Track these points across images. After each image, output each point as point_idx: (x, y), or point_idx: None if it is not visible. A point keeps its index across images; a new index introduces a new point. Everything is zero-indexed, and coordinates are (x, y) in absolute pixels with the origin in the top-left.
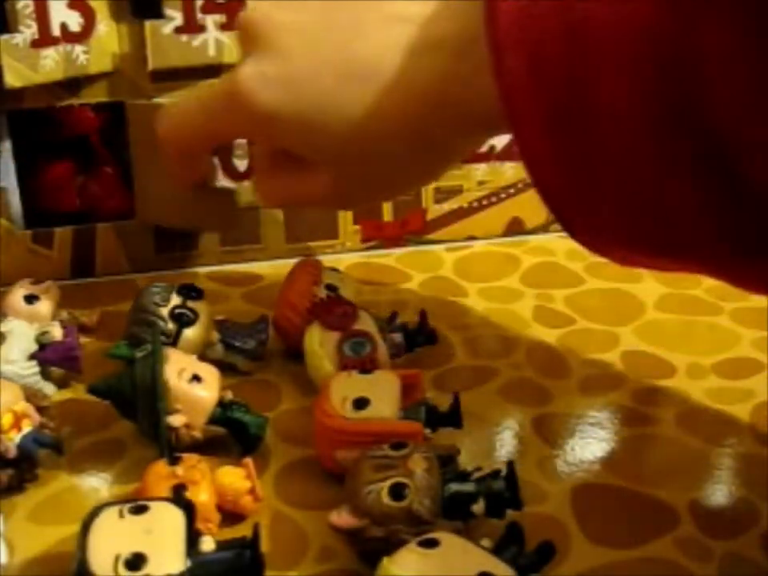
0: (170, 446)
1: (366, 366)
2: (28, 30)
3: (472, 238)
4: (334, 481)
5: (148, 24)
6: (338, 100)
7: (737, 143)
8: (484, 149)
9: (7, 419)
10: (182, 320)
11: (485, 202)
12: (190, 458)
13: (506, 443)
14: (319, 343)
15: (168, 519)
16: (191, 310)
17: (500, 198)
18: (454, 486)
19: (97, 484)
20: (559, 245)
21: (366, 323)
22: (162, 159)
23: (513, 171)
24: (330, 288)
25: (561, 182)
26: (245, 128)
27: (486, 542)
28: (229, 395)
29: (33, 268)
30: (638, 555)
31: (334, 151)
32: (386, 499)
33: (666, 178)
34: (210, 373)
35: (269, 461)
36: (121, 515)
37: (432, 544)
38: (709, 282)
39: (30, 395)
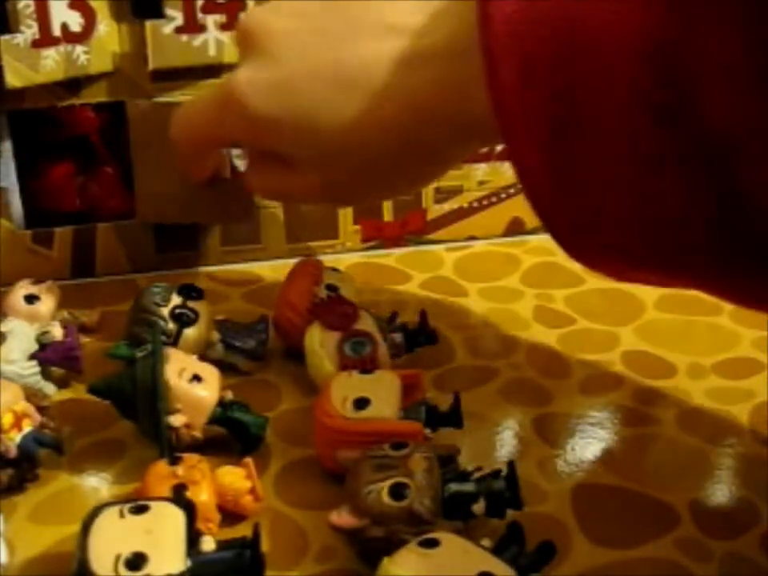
0: (171, 446)
1: (367, 366)
2: (29, 30)
3: (472, 238)
4: (334, 481)
5: (148, 24)
6: (330, 107)
7: (736, 149)
8: (484, 149)
9: (7, 419)
10: (183, 320)
11: (485, 202)
12: (190, 458)
13: (506, 443)
14: (319, 343)
15: (168, 519)
16: (191, 309)
17: (500, 198)
18: (454, 486)
19: (97, 484)
20: None
21: (366, 323)
22: (170, 158)
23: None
24: (331, 288)
25: (554, 194)
26: (239, 132)
27: (486, 542)
28: (229, 395)
29: (33, 268)
30: (637, 555)
31: (324, 158)
32: (386, 499)
33: (664, 187)
34: (210, 373)
35: (269, 461)
36: (121, 515)
37: (432, 544)
38: None
39: (31, 395)
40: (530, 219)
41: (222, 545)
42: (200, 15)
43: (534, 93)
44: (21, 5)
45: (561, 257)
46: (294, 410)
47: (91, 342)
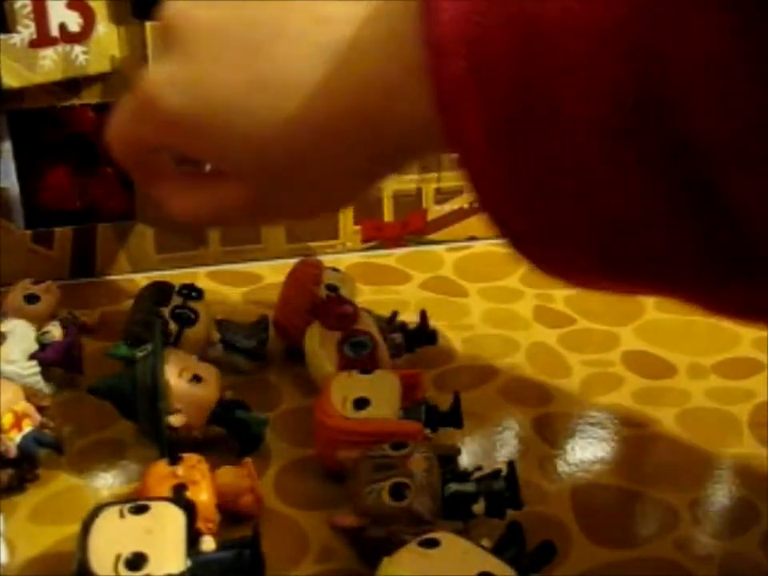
0: (171, 446)
1: (367, 366)
2: (26, 30)
3: (473, 238)
4: (334, 481)
5: (148, 24)
6: (249, 107)
7: (710, 151)
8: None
9: (8, 419)
10: (183, 320)
11: None
12: (190, 458)
13: (506, 443)
14: (319, 343)
15: (168, 519)
16: (191, 309)
17: None
18: (454, 486)
19: (97, 484)
20: None
21: (366, 323)
22: None
23: None
24: (331, 288)
25: (513, 201)
26: (159, 135)
27: (486, 542)
28: (229, 395)
29: (33, 268)
30: (637, 555)
31: (247, 163)
32: (386, 499)
33: (632, 191)
34: (210, 373)
35: (269, 461)
36: (121, 515)
37: (432, 544)
38: None
39: (31, 395)
40: None
41: (222, 545)
42: None
43: (488, 91)
44: (18, 5)
45: None
46: (294, 410)
47: (91, 342)
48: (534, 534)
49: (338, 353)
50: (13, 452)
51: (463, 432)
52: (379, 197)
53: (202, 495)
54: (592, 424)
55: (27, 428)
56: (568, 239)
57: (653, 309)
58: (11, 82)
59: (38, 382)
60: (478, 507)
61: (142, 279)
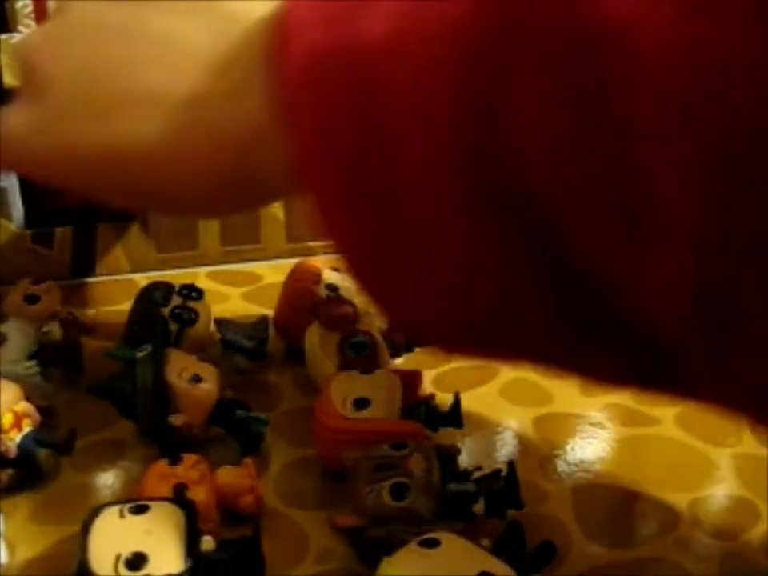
0: (171, 446)
1: (366, 366)
2: (27, 30)
3: None
4: (334, 481)
5: None
6: (92, 141)
7: (554, 212)
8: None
9: (8, 419)
10: (183, 320)
11: None
12: (190, 458)
13: (506, 443)
14: (319, 343)
15: (168, 519)
16: (191, 309)
17: None
18: (454, 486)
19: (97, 484)
20: None
21: (366, 323)
22: None
23: None
24: (331, 288)
25: (370, 258)
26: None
27: (486, 542)
28: (229, 395)
29: (33, 268)
30: (637, 555)
31: (115, 197)
32: (386, 499)
33: (480, 256)
34: (210, 373)
35: (269, 461)
36: (121, 515)
37: (432, 544)
38: None
39: (30, 395)
40: None
41: (222, 545)
42: None
43: (336, 146)
44: (19, 4)
45: None
46: (294, 410)
47: (91, 342)
48: (534, 534)
49: (338, 353)
50: (13, 452)
51: (463, 432)
52: None
53: (202, 495)
54: (592, 424)
55: (27, 428)
56: (427, 303)
57: None
58: (12, 81)
59: (38, 382)
60: (478, 507)
61: (142, 279)
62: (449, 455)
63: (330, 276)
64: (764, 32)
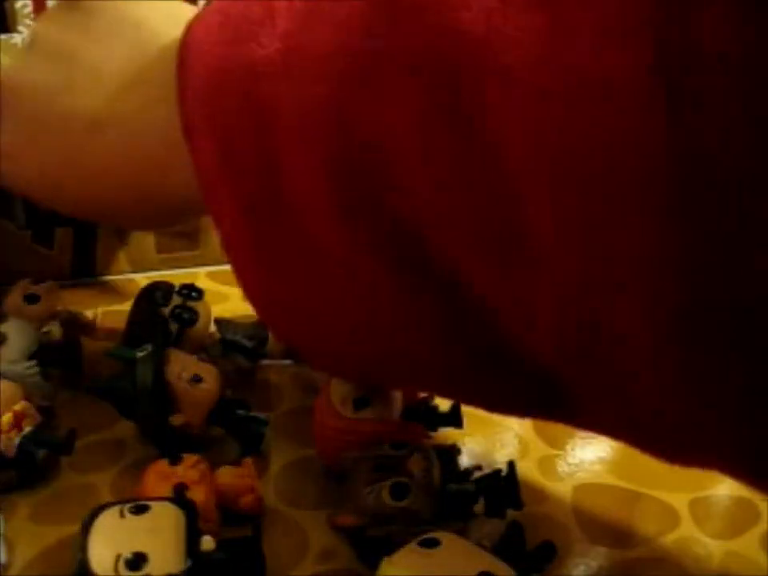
0: (171, 446)
1: None
2: (27, 30)
3: None
4: (334, 481)
5: None
6: (32, 163)
7: (424, 230)
8: None
9: (7, 419)
10: (183, 320)
11: None
12: (190, 458)
13: (506, 443)
14: None
15: (168, 519)
16: (192, 309)
17: None
18: (454, 486)
19: (97, 484)
20: None
21: None
22: None
23: None
24: None
25: (263, 281)
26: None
27: (486, 542)
28: (229, 395)
29: (33, 268)
30: (638, 555)
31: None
32: (386, 499)
33: (358, 272)
34: (210, 373)
35: (269, 461)
36: (121, 515)
37: (432, 544)
38: None
39: (30, 395)
40: None
41: (222, 545)
42: None
43: (231, 167)
44: (19, 4)
45: None
46: (294, 410)
47: (91, 342)
48: (534, 534)
49: None
50: (13, 452)
51: (463, 432)
52: None
53: (202, 495)
54: None
55: (27, 428)
56: (318, 332)
57: None
58: None
59: (38, 381)
60: (478, 507)
61: (142, 279)
62: (449, 455)
63: None
64: (613, 54)
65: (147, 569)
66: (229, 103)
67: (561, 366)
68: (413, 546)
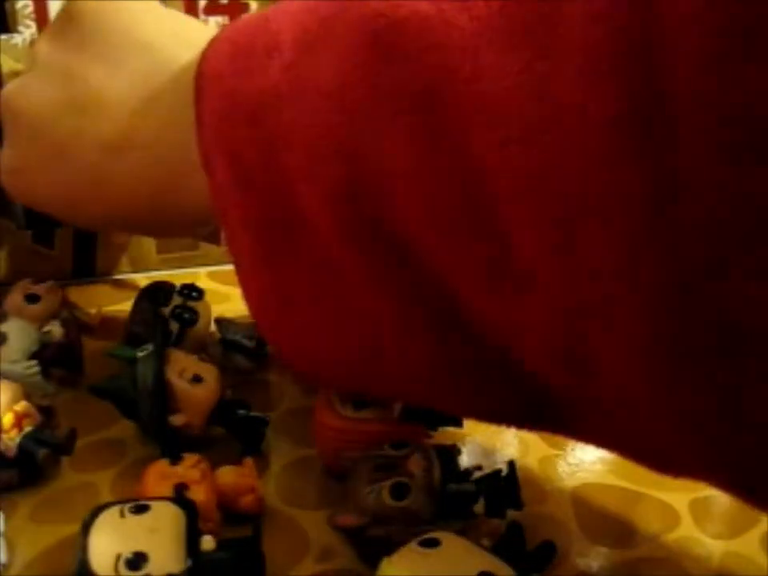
0: (171, 446)
1: None
2: (27, 31)
3: None
4: (334, 481)
5: None
6: (44, 182)
7: (422, 251)
8: None
9: (8, 419)
10: (183, 320)
11: None
12: (190, 458)
13: (506, 443)
14: None
15: (169, 518)
16: (191, 309)
17: None
18: (454, 486)
19: (97, 484)
20: None
21: None
22: None
23: None
24: None
25: (274, 305)
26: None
27: (486, 542)
28: (229, 395)
29: (33, 268)
30: (637, 555)
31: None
32: (386, 499)
33: (360, 289)
34: (210, 373)
35: (269, 461)
36: (122, 515)
37: (432, 544)
38: None
39: (31, 395)
40: None
41: (222, 544)
42: (202, 17)
43: (244, 190)
44: (19, 5)
45: None
46: (295, 410)
47: (91, 342)
48: (534, 534)
49: None
50: (13, 452)
51: (463, 432)
52: None
53: (203, 495)
54: None
55: (28, 428)
56: (324, 353)
57: None
58: None
59: (39, 381)
60: (478, 507)
61: (142, 279)
62: (449, 455)
63: None
64: (589, 88)
65: (147, 569)
66: (240, 132)
67: (549, 382)
68: (413, 545)
